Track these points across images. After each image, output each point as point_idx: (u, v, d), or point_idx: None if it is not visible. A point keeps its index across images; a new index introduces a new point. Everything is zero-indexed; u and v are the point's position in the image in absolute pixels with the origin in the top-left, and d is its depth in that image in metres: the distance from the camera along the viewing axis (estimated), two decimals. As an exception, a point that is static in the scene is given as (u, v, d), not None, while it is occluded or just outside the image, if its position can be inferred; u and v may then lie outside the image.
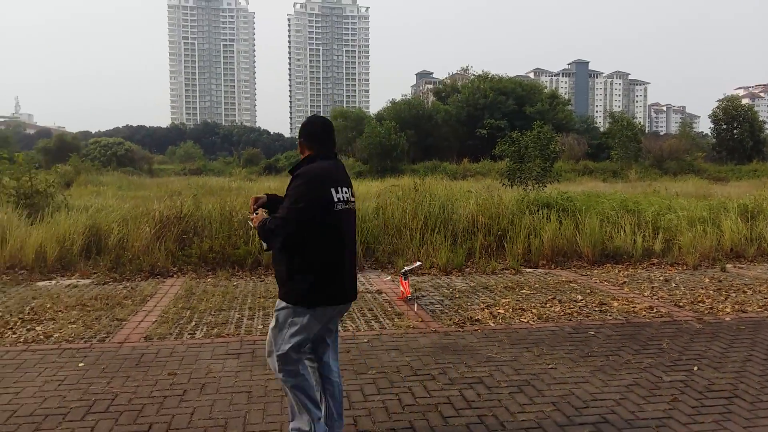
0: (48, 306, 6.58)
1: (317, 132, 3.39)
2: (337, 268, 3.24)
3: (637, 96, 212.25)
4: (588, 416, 3.82)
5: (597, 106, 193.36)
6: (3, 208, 10.13)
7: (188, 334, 5.58)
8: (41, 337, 5.51)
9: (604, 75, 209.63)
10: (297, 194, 3.14)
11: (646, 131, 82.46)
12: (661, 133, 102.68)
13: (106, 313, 6.32)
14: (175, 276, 8.31)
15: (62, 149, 47.68)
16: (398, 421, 3.74)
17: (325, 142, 3.37)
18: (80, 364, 4.76)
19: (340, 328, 5.67)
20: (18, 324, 5.93)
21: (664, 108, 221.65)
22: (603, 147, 52.17)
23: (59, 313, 6.33)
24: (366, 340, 5.37)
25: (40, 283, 7.85)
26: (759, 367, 4.74)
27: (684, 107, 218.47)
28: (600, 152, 51.97)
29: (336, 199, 3.21)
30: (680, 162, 42.17)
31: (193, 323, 5.95)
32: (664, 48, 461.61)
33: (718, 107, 54.87)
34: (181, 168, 52.87)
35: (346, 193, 3.28)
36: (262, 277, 8.29)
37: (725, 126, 54.12)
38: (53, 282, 7.94)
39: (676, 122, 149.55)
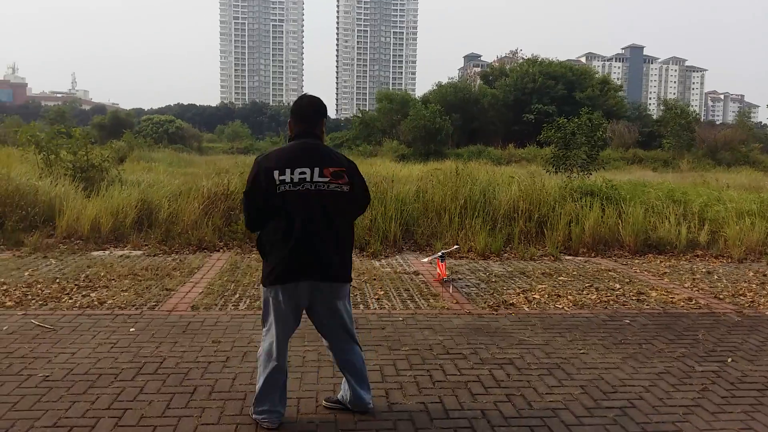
0: (102, 274, 6.96)
1: (300, 110, 3.41)
2: (284, 247, 3.26)
3: (693, 83, 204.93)
4: (615, 400, 3.89)
5: (651, 93, 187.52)
6: (61, 181, 10.65)
7: (232, 306, 5.84)
8: (95, 303, 5.85)
9: (659, 61, 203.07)
10: (248, 177, 3.40)
11: (702, 120, 79.72)
12: (717, 123, 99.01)
13: (156, 283, 6.65)
14: (221, 251, 8.62)
15: (116, 125, 49.31)
16: (428, 395, 3.88)
17: (306, 120, 3.39)
18: (131, 330, 5.06)
19: (375, 307, 5.86)
20: (74, 290, 6.30)
21: (722, 96, 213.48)
22: (655, 135, 50.70)
23: (112, 281, 6.69)
24: (401, 319, 5.53)
25: (95, 253, 8.26)
26: (796, 361, 4.69)
27: (742, 96, 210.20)
28: (652, 141, 50.53)
29: (279, 181, 3.23)
30: (735, 153, 40.66)
31: (237, 295, 6.21)
32: (723, 34, 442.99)
33: (779, 96, 52.57)
34: (229, 147, 53.88)
35: (302, 174, 3.24)
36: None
37: (786, 116, 51.85)
38: (107, 252, 8.35)
39: (733, 111, 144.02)
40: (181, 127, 54.90)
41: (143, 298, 6.04)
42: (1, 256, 7.93)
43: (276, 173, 3.25)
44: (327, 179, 3.27)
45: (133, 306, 5.77)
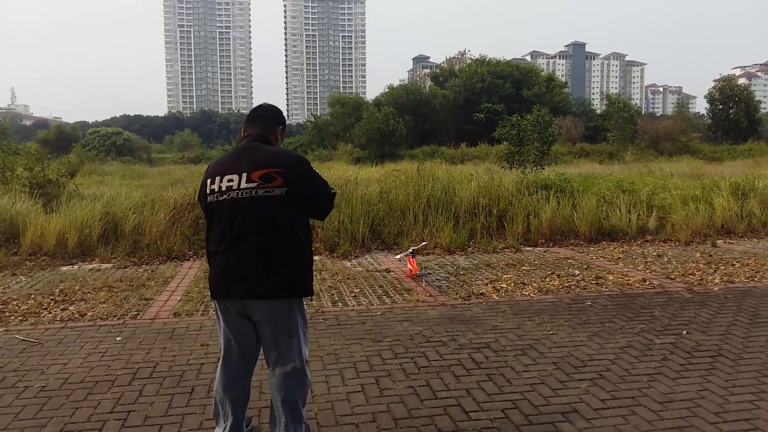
0: (77, 288, 6.98)
1: (250, 114, 3.24)
2: (217, 260, 3.04)
3: (634, 77, 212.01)
4: (586, 373, 4.24)
5: (594, 88, 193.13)
6: (19, 198, 10.49)
7: (213, 311, 5.97)
8: (76, 315, 5.91)
9: (601, 57, 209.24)
10: None
11: (643, 112, 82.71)
12: (658, 114, 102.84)
13: (133, 294, 6.72)
14: (191, 259, 8.69)
15: (62, 140, 48.07)
16: (415, 380, 4.15)
17: (253, 123, 3.18)
18: (118, 338, 5.16)
19: (354, 304, 6.10)
20: (51, 305, 6.32)
21: (661, 89, 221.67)
22: (600, 129, 52.44)
23: (88, 294, 6.73)
24: (379, 313, 5.78)
25: (64, 268, 8.23)
26: (742, 330, 5.16)
27: (680, 88, 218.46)
28: (596, 134, 52.24)
29: (209, 191, 3.03)
30: (676, 143, 42.50)
31: (216, 301, 6.35)
32: (662, 28, 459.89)
33: (714, 87, 55.14)
34: (180, 156, 53.05)
35: (230, 181, 2.96)
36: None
37: (721, 106, 54.40)
38: (76, 267, 8.32)
39: (672, 103, 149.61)
40: (129, 139, 53.82)
41: (123, 309, 6.12)
42: (-33, 276, 7.83)
43: (208, 182, 3.05)
44: (254, 184, 2.92)
45: (115, 316, 5.86)
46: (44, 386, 4.15)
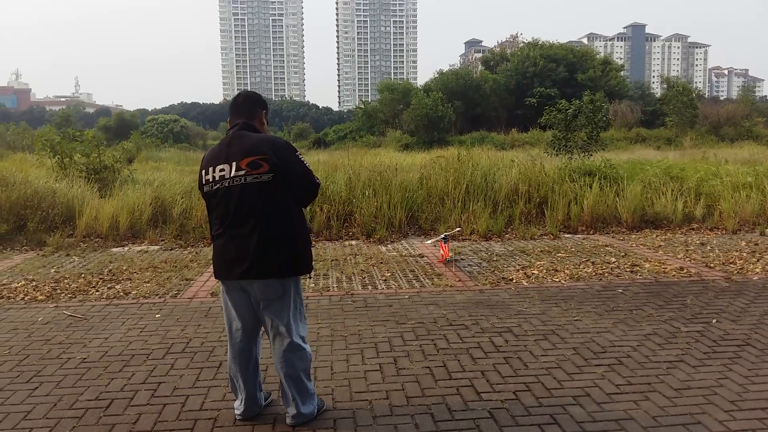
0: (124, 268, 7.36)
1: (232, 104, 3.36)
2: (217, 243, 3.26)
3: (696, 60, 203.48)
4: (604, 359, 4.25)
5: (654, 71, 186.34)
6: (76, 183, 11.06)
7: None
8: (121, 294, 6.25)
9: (661, 38, 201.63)
10: None
11: (706, 96, 79.38)
12: (722, 98, 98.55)
13: (176, 274, 7.04)
14: (233, 243, 8.98)
15: (122, 127, 49.89)
16: (433, 360, 4.25)
17: (236, 112, 3.30)
18: (157, 315, 5.45)
19: (383, 287, 6.22)
20: (99, 283, 6.70)
21: (725, 72, 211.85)
22: (658, 114, 50.70)
23: (134, 274, 7.09)
24: (407, 297, 5.89)
25: (114, 249, 8.66)
26: (776, 320, 5.03)
27: (747, 70, 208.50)
28: (655, 119, 50.56)
29: (205, 181, 3.22)
30: (738, 128, 40.73)
31: (252, 282, 6.59)
32: (727, 6, 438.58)
33: (781, 69, 52.33)
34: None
35: (222, 171, 3.14)
36: (313, 242, 8.90)
37: (789, 89, 51.62)
38: (126, 248, 8.75)
39: (737, 86, 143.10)
40: (185, 126, 55.43)
41: (165, 288, 6.44)
42: (26, 255, 8.35)
43: (203, 173, 3.24)
44: (243, 172, 3.10)
45: (157, 295, 6.17)
46: (85, 358, 4.45)
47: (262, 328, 3.43)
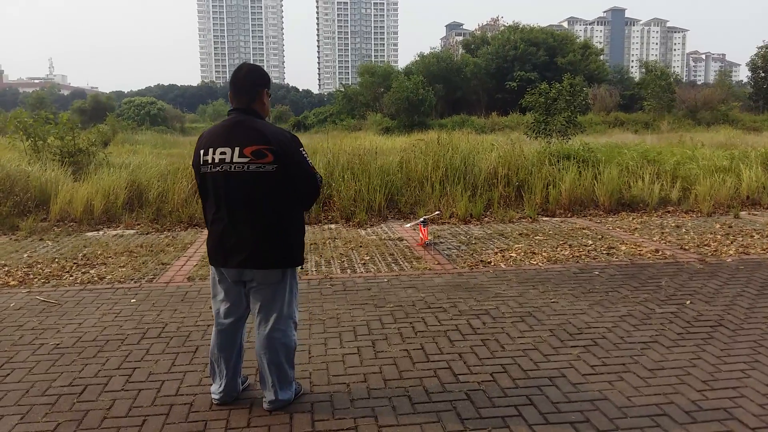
0: (99, 253, 7.25)
1: (235, 82, 3.19)
2: (215, 229, 3.20)
3: (675, 44, 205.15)
4: (580, 340, 4.29)
5: (633, 55, 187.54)
6: (50, 166, 10.84)
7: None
8: (95, 278, 6.16)
9: (641, 23, 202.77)
10: None
11: (684, 81, 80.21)
12: (699, 83, 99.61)
13: (152, 258, 6.95)
14: (211, 226, 8.89)
15: (97, 109, 49.03)
16: (411, 343, 4.26)
17: (241, 93, 3.17)
18: (132, 300, 5.38)
19: (362, 270, 6.21)
20: (73, 268, 6.59)
21: (703, 56, 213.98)
22: (636, 98, 51.21)
23: (109, 258, 6.99)
24: (386, 280, 5.89)
25: (89, 234, 8.53)
26: (748, 301, 5.12)
27: (724, 55, 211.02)
28: (633, 103, 51.06)
29: (203, 161, 3.13)
30: (714, 112, 41.28)
31: (230, 266, 6.53)
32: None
33: (756, 54, 52.98)
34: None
35: (223, 154, 3.06)
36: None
37: (763, 74, 52.34)
38: (101, 232, 8.62)
39: (715, 71, 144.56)
40: (162, 109, 54.77)
41: (141, 273, 6.35)
42: (-1, 240, 8.18)
43: (201, 153, 3.14)
44: (247, 159, 3.02)
45: (132, 280, 6.09)
46: (58, 344, 4.38)
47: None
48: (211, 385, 3.49)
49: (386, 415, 3.25)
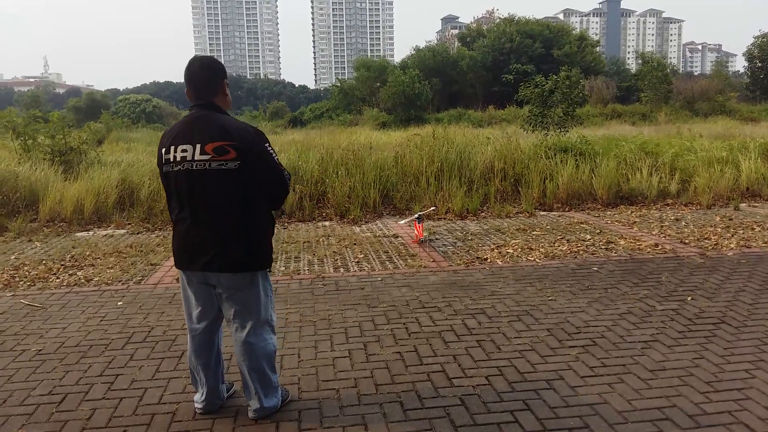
0: (87, 254, 7.10)
1: (190, 77, 2.98)
2: (179, 230, 3.05)
3: (671, 35, 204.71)
4: (579, 339, 4.15)
5: (629, 46, 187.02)
6: (40, 166, 10.67)
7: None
8: (82, 280, 6.01)
9: (636, 14, 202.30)
10: None
11: (681, 71, 79.98)
12: (696, 74, 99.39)
13: (141, 259, 6.81)
14: (203, 225, 8.74)
15: (92, 107, 48.71)
16: (404, 345, 4.12)
17: (198, 87, 2.98)
18: (119, 303, 5.24)
19: (356, 269, 6.07)
20: (61, 270, 6.44)
21: (699, 47, 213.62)
22: (633, 89, 50.99)
23: (98, 259, 6.84)
24: (380, 279, 5.75)
25: (79, 234, 8.37)
26: (750, 296, 4.99)
27: (720, 45, 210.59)
28: (630, 95, 50.84)
29: (164, 160, 2.97)
30: (712, 103, 41.07)
31: (220, 266, 6.39)
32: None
33: (753, 44, 52.71)
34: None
35: (184, 152, 2.89)
36: (285, 224, 8.70)
37: (760, 64, 52.03)
38: (91, 233, 8.46)
39: (711, 62, 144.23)
40: (158, 106, 54.42)
41: (129, 274, 6.21)
42: (-14, 242, 8.02)
43: (163, 151, 2.99)
44: (208, 156, 2.86)
45: (120, 281, 5.94)
46: (40, 350, 4.24)
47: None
48: (195, 393, 3.36)
49: (376, 422, 3.11)
